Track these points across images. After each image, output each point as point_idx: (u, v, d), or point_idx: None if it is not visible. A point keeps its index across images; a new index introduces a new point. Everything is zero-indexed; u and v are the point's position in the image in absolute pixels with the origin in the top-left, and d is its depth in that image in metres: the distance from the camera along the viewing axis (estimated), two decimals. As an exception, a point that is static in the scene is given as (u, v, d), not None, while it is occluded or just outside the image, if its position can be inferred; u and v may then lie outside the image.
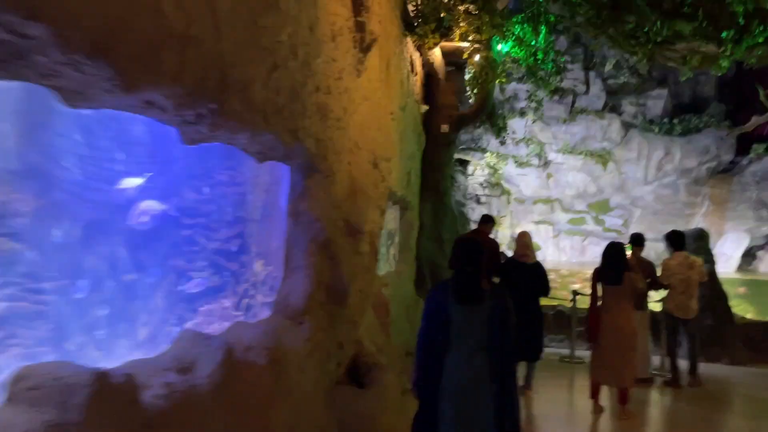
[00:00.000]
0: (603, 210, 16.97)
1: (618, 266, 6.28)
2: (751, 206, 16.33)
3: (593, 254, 17.24)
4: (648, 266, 7.94)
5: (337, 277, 4.62)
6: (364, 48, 5.28)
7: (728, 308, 9.95)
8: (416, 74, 9.74)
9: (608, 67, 17.16)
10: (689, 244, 10.31)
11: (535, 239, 17.23)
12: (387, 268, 8.53)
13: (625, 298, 6.28)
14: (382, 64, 6.52)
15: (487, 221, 8.53)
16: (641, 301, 7.66)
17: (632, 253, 7.99)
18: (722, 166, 17.41)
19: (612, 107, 17.66)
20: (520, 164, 16.84)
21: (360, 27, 5.08)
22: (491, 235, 8.94)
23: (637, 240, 8.26)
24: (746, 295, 13.38)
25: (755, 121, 11.10)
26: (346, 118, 5.05)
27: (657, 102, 17.96)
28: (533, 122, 16.80)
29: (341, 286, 4.66)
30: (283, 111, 3.71)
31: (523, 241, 7.72)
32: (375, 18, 5.56)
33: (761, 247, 16.18)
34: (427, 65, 10.36)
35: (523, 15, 10.07)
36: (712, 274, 9.88)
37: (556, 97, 17.34)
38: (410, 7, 8.34)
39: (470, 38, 9.26)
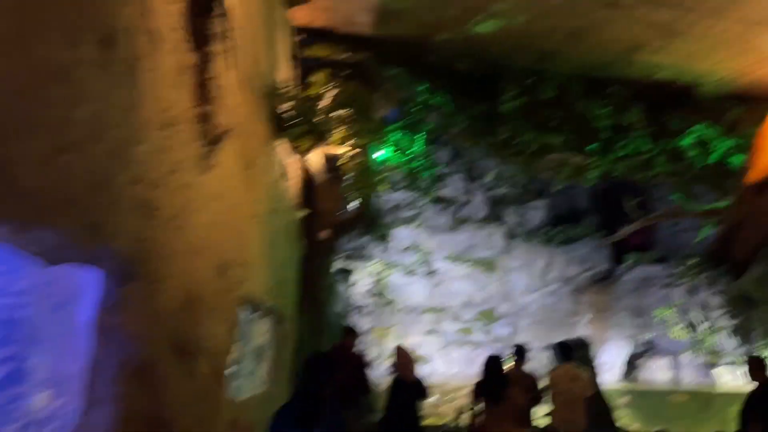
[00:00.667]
0: (491, 319, 16.88)
1: (497, 382, 5.81)
2: (629, 314, 16.85)
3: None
4: (529, 380, 7.55)
5: (157, 408, 3.77)
6: (211, 141, 4.75)
7: (612, 421, 9.70)
8: (293, 178, 9.33)
9: (489, 177, 17.74)
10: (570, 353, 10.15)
11: (424, 351, 16.70)
12: (254, 390, 7.60)
13: (506, 416, 5.76)
14: (241, 163, 6.00)
15: (349, 333, 7.99)
16: (523, 418, 7.18)
17: (514, 366, 7.61)
18: (601, 275, 18.08)
19: (495, 216, 18.15)
20: (406, 272, 16.63)
21: (204, 117, 4.57)
22: (360, 347, 8.35)
23: (519, 352, 7.92)
24: (630, 406, 13.32)
25: (623, 231, 11.50)
26: (185, 217, 4.39)
27: (536, 212, 18.69)
28: (417, 228, 16.85)
29: (163, 420, 3.80)
30: (77, 203, 3.02)
31: (403, 355, 7.15)
32: (226, 110, 5.09)
33: (640, 356, 16.55)
34: (305, 169, 10.01)
35: (401, 123, 10.11)
36: (596, 385, 9.67)
37: (439, 206, 17.57)
38: (284, 107, 8.02)
39: (347, 143, 9.06)
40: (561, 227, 18.39)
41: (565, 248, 17.99)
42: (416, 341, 16.77)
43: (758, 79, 10.38)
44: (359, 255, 16.10)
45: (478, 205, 18.06)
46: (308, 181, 10.10)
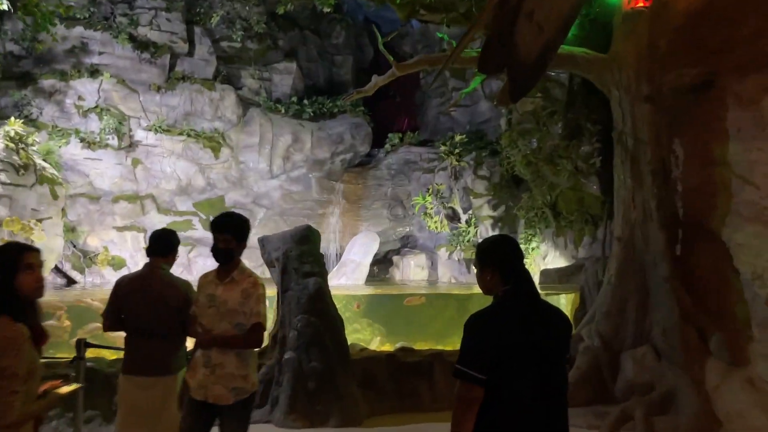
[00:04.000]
0: (216, 210, 12.76)
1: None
2: (386, 204, 13.99)
3: (204, 269, 12.98)
4: (176, 292, 3.75)
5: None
6: None
7: (342, 340, 6.36)
8: None
9: (215, 21, 12.97)
10: (289, 248, 6.60)
11: (120, 252, 12.20)
12: None
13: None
14: None
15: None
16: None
17: (150, 270, 3.71)
18: (358, 159, 14.90)
19: (226, 78, 13.73)
20: (89, 144, 11.65)
21: None
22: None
23: (157, 245, 3.89)
24: (368, 313, 10.31)
25: (375, 81, 8.00)
26: None
27: (285, 78, 14.64)
28: (109, 82, 11.83)
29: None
30: None
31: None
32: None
33: (397, 251, 13.92)
34: None
35: None
36: (320, 291, 6.20)
37: (144, 54, 12.59)
38: None
39: None
40: (314, 98, 14.59)
41: (317, 124, 14.31)
42: (110, 239, 12.17)
43: None
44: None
45: (204, 58, 13.38)
46: None
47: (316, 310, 6.00)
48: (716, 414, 5.34)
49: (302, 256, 6.27)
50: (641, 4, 6.37)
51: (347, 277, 11.75)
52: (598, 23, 7.05)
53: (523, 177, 10.01)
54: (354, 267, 11.73)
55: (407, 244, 14.17)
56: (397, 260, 13.58)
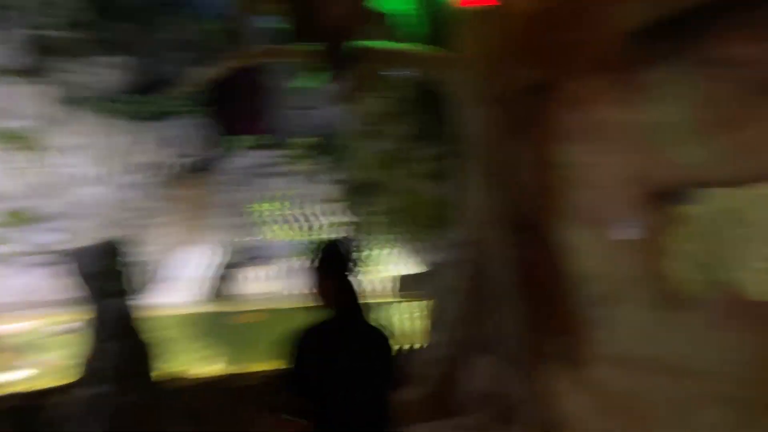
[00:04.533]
0: (30, 221, 11.10)
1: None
2: (230, 212, 13.06)
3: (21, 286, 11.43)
4: None
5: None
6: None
7: (160, 368, 5.51)
8: None
9: (32, 6, 11.36)
10: (94, 264, 5.63)
11: None
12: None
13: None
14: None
15: None
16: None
17: None
18: (201, 163, 13.80)
19: (42, 70, 12.08)
20: None
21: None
22: None
23: None
24: (204, 333, 9.32)
25: (207, 72, 7.22)
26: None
27: (110, 72, 13.21)
28: None
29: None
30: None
31: None
32: None
33: (243, 263, 13.01)
34: None
35: None
36: (126, 316, 5.31)
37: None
38: None
39: None
40: (148, 96, 13.32)
41: (152, 126, 13.05)
42: None
43: None
44: None
45: (14, 49, 11.67)
46: None
47: (125, 336, 5.14)
48: (556, 420, 5.27)
49: (109, 274, 5.37)
50: (481, 4, 6.26)
51: (181, 294, 10.62)
52: (439, 21, 6.87)
53: (372, 182, 9.68)
54: (189, 282, 10.68)
55: (255, 255, 13.32)
56: (243, 273, 12.69)
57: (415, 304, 8.21)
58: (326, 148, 12.14)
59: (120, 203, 12.48)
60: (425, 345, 6.24)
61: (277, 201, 12.08)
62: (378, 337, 2.24)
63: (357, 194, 11.26)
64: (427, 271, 8.04)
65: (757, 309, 4.34)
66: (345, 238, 9.57)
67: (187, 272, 10.91)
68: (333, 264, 2.23)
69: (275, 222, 12.04)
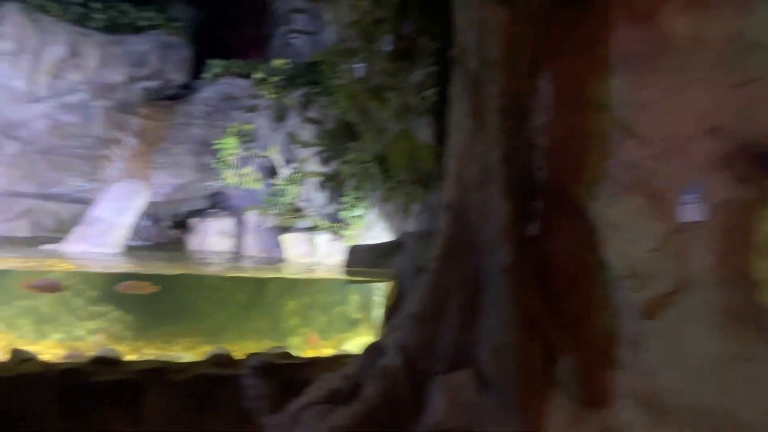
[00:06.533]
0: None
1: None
2: (193, 149, 11.15)
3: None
4: None
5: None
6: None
7: None
8: None
9: None
10: None
11: None
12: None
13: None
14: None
15: None
16: None
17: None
18: (168, 89, 11.82)
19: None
20: None
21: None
22: None
23: None
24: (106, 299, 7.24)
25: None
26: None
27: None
28: None
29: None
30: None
31: None
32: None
33: (201, 212, 11.09)
34: None
35: None
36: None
37: None
38: None
39: None
40: (112, 3, 11.26)
41: (112, 38, 11.08)
42: None
43: None
44: None
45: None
46: None
47: None
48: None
49: None
50: None
51: (93, 242, 8.61)
52: None
53: (350, 120, 7.74)
54: (105, 228, 8.72)
55: (216, 204, 11.46)
56: (196, 224, 10.81)
57: (370, 286, 6.37)
58: (312, 78, 10.13)
59: (62, 126, 10.53)
60: (370, 347, 4.43)
61: (239, 137, 10.13)
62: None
63: (345, 137, 9.37)
64: (391, 242, 6.18)
65: None
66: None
67: (100, 214, 8.83)
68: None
69: (235, 163, 10.11)
